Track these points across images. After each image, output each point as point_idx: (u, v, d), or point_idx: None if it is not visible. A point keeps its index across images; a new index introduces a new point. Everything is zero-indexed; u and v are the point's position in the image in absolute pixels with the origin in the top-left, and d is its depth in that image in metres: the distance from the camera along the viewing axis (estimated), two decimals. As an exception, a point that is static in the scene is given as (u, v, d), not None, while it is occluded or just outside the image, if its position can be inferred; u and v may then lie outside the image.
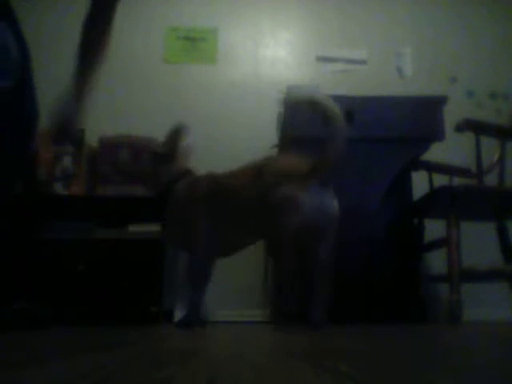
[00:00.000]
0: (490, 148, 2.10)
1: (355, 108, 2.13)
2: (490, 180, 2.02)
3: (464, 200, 1.91)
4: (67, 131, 1.30)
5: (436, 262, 2.40)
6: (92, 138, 2.41)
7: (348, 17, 3.07)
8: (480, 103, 2.95)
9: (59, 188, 2.31)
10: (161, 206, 1.63)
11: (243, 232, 1.54)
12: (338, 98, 2.20)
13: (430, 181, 2.24)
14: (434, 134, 2.12)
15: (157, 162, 1.67)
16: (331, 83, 2.83)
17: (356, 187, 2.10)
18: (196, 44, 2.98)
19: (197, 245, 1.51)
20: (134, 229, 2.20)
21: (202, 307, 1.51)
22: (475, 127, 1.96)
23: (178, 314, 1.41)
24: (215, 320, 2.34)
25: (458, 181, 2.16)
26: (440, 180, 2.21)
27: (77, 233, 2.17)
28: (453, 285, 1.82)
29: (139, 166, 1.98)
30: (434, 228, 2.14)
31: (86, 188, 2.35)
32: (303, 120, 2.12)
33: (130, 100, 2.86)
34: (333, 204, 1.47)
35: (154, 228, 2.18)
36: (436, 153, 2.24)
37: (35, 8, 2.95)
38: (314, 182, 1.42)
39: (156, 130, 2.06)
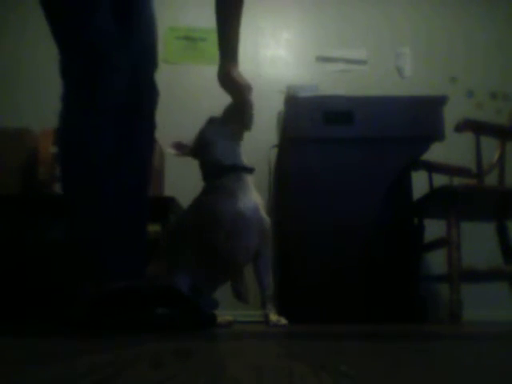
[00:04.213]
0: (490, 148, 2.10)
1: (355, 108, 2.13)
2: (490, 180, 2.02)
3: (464, 200, 1.91)
4: None
5: (436, 261, 2.40)
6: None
7: (348, 17, 3.07)
8: (480, 103, 2.95)
9: (59, 188, 2.31)
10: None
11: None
12: (337, 98, 2.22)
13: (430, 181, 2.24)
14: (434, 133, 2.12)
15: None
16: (331, 83, 2.83)
17: (356, 187, 2.10)
18: (196, 44, 2.98)
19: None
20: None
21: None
22: (475, 127, 1.96)
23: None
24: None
25: (457, 181, 2.16)
26: (440, 180, 2.21)
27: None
28: (453, 285, 1.82)
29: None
30: (434, 228, 2.14)
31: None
32: (304, 120, 2.12)
33: (130, 100, 2.86)
34: (251, 206, 1.47)
35: (153, 228, 2.18)
36: (436, 153, 2.24)
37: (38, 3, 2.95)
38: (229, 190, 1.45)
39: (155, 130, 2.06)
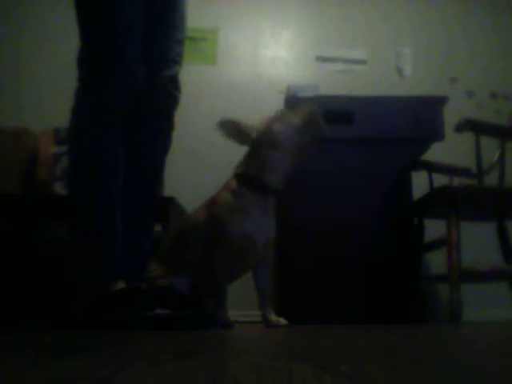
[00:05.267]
0: (490, 148, 2.10)
1: (355, 108, 2.13)
2: (490, 180, 2.02)
3: (464, 200, 1.91)
4: None
5: (436, 261, 2.40)
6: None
7: (348, 17, 3.07)
8: (480, 103, 2.95)
9: (59, 188, 2.30)
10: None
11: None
12: (337, 98, 2.22)
13: (430, 181, 2.24)
14: (434, 134, 2.12)
15: None
16: (331, 83, 2.83)
17: (355, 187, 2.10)
18: (196, 44, 2.98)
19: None
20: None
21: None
22: (475, 127, 1.96)
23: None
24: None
25: (457, 181, 2.16)
26: (440, 180, 2.21)
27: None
28: (453, 285, 1.82)
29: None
30: (434, 228, 2.13)
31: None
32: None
33: (130, 100, 2.86)
34: (265, 229, 1.45)
35: (154, 228, 2.17)
36: (436, 153, 2.24)
37: (39, 3, 2.95)
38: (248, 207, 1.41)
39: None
